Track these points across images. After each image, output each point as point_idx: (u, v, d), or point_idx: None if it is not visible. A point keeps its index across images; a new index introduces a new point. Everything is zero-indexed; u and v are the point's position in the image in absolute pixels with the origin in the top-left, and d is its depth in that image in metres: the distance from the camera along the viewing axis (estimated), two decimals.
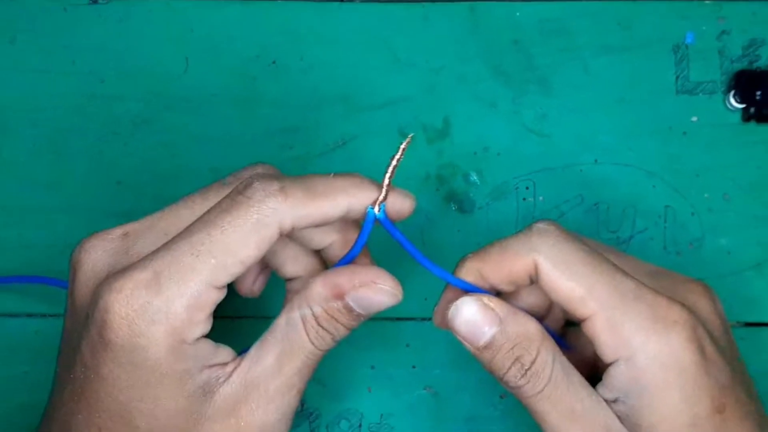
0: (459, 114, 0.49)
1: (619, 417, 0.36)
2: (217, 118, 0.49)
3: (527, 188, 0.48)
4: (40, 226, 0.48)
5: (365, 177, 0.36)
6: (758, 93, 0.47)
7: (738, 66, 0.48)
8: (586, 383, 0.36)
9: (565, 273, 0.35)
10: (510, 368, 0.35)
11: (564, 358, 0.36)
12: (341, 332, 0.36)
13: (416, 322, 0.47)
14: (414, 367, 0.47)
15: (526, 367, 0.35)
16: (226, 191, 0.36)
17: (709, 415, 0.35)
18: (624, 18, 0.49)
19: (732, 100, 0.48)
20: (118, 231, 0.37)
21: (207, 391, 0.35)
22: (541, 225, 0.36)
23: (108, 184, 0.48)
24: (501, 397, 0.46)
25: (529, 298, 0.39)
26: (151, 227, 0.37)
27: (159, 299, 0.33)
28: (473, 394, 0.47)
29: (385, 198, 0.35)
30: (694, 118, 0.48)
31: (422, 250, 0.44)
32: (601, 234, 0.48)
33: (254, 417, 0.35)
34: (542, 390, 0.35)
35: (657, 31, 0.49)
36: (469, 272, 0.37)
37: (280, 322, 0.36)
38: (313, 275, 0.37)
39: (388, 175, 0.35)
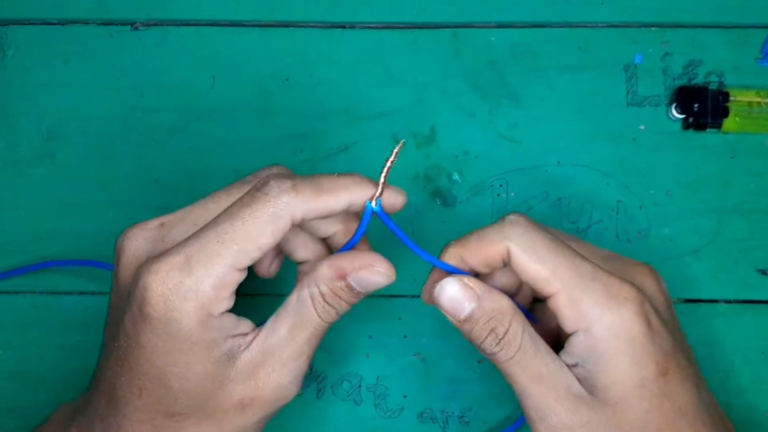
0: (443, 123, 0.49)
1: (578, 379, 0.36)
2: (239, 126, 0.49)
3: (501, 186, 0.48)
4: (89, 218, 0.48)
5: (365, 176, 0.36)
6: (696, 105, 0.47)
7: (679, 82, 0.48)
8: (550, 350, 0.37)
9: (533, 257, 0.36)
10: (486, 337, 0.36)
11: (532, 330, 0.37)
12: (344, 307, 0.37)
13: (407, 298, 0.48)
14: (405, 336, 0.47)
15: (500, 337, 0.36)
16: (246, 188, 0.36)
17: (654, 378, 0.36)
18: (583, 42, 0.48)
19: (674, 111, 0.48)
20: (155, 222, 0.37)
21: (230, 357, 0.35)
22: (512, 217, 0.37)
23: (147, 182, 0.48)
24: (479, 362, 0.47)
25: (502, 279, 0.40)
26: (184, 218, 0.37)
27: (190, 279, 0.33)
28: (455, 359, 0.47)
29: (381, 194, 0.36)
30: (642, 127, 0.48)
31: (412, 237, 0.46)
32: (563, 225, 0.48)
33: (270, 379, 0.36)
34: (513, 356, 0.36)
35: (610, 53, 0.49)
36: (451, 257, 0.37)
37: (292, 299, 0.36)
38: (320, 259, 0.37)
39: (383, 174, 0.36)
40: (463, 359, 0.47)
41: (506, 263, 0.37)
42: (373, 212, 0.36)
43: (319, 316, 0.36)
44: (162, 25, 0.49)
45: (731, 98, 0.47)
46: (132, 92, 0.49)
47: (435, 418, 0.47)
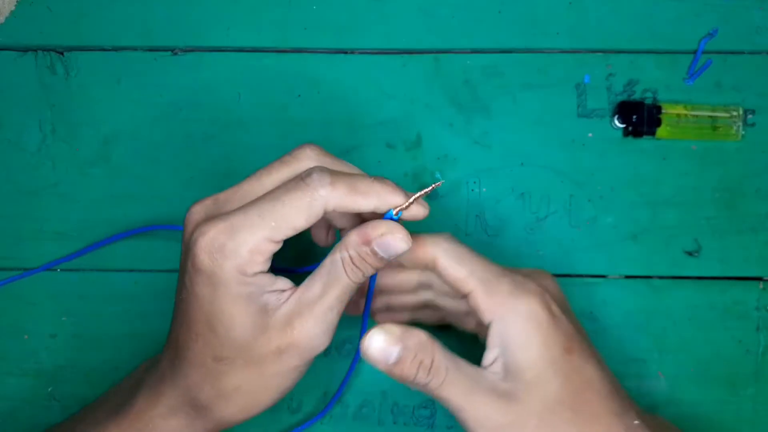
0: (427, 131, 0.50)
1: (501, 373, 0.37)
2: (260, 134, 0.50)
3: (474, 183, 0.49)
4: (137, 209, 0.49)
5: (396, 185, 0.37)
6: (634, 117, 0.48)
7: (620, 98, 0.49)
8: (469, 363, 0.37)
9: (454, 261, 0.38)
10: (418, 372, 0.36)
11: (449, 352, 0.37)
12: (369, 270, 0.37)
13: None
14: None
15: (429, 367, 0.36)
16: (285, 169, 0.37)
17: (562, 355, 0.37)
18: (542, 65, 0.49)
19: (616, 122, 0.49)
20: (211, 198, 0.38)
21: (268, 309, 0.36)
22: (443, 234, 0.39)
23: (184, 179, 0.49)
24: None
25: (423, 277, 0.42)
26: (234, 194, 0.37)
27: (232, 242, 0.34)
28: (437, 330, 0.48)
29: (405, 208, 0.36)
30: (590, 134, 0.49)
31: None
32: (526, 214, 0.49)
33: (304, 328, 0.36)
34: (444, 380, 0.36)
35: (564, 74, 0.49)
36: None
37: (327, 262, 0.37)
38: (352, 228, 0.37)
39: (417, 195, 0.37)
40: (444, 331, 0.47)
41: (430, 267, 0.39)
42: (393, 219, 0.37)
43: (348, 277, 0.36)
44: (197, 51, 0.50)
45: (663, 111, 0.48)
46: (172, 106, 0.50)
47: None
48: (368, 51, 0.50)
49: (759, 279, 0.49)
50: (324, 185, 0.35)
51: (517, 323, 0.37)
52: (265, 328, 0.36)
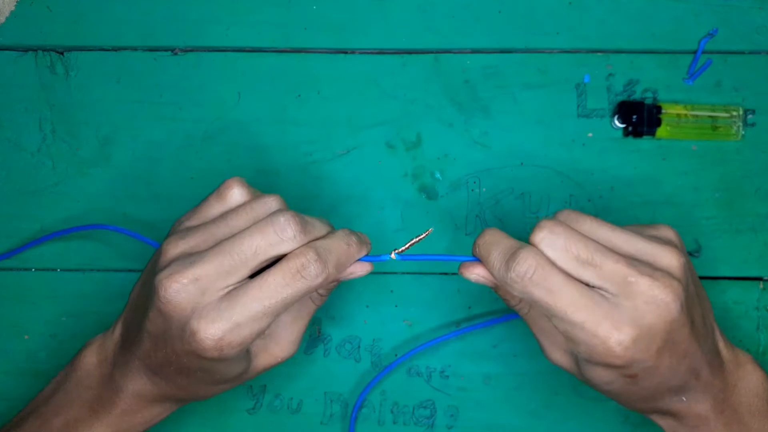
0: (427, 131, 0.50)
1: None
2: (259, 134, 0.50)
3: (474, 182, 0.49)
4: (137, 208, 0.49)
5: (361, 240, 0.38)
6: (634, 117, 0.48)
7: (620, 98, 0.49)
8: None
9: (548, 299, 0.35)
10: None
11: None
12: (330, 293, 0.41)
13: (398, 275, 0.49)
14: (396, 306, 0.49)
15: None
16: (251, 213, 0.36)
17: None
18: (541, 65, 0.49)
19: (616, 122, 0.49)
20: (185, 241, 0.36)
21: (249, 357, 0.39)
22: (527, 255, 0.35)
23: (184, 179, 0.49)
24: (457, 325, 0.49)
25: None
26: (205, 241, 0.36)
27: (238, 339, 0.35)
28: (437, 324, 0.49)
29: (401, 251, 0.38)
30: (590, 134, 0.49)
31: (402, 225, 0.49)
32: (526, 215, 0.49)
33: (279, 350, 0.40)
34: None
35: (564, 74, 0.49)
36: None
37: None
38: None
39: (410, 243, 0.38)
40: (443, 324, 0.49)
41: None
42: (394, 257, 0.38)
43: (316, 305, 0.41)
44: (197, 51, 0.50)
45: (663, 111, 0.48)
46: (172, 106, 0.50)
47: (420, 373, 0.49)
48: (368, 51, 0.50)
49: (759, 279, 0.49)
50: (319, 276, 0.35)
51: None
52: (249, 367, 0.39)
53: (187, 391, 0.39)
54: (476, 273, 0.38)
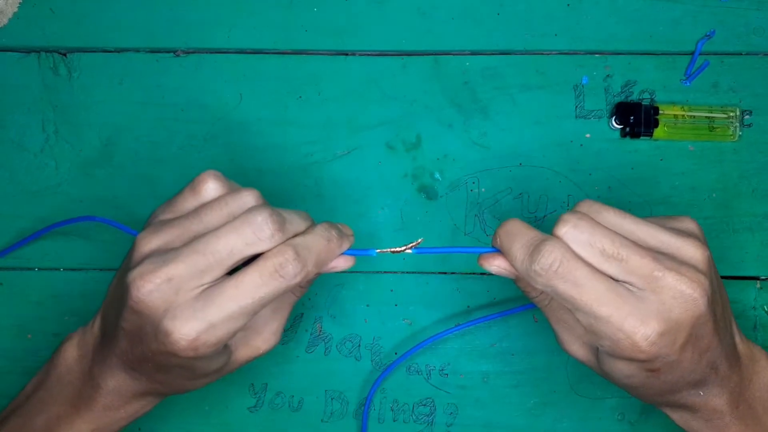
0: (427, 132, 0.50)
1: None
2: (261, 134, 0.50)
3: (473, 183, 0.49)
4: (140, 209, 0.49)
5: (342, 233, 0.37)
6: (631, 118, 0.48)
7: (618, 99, 0.49)
8: None
9: (575, 294, 0.34)
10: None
11: None
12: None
13: (397, 274, 0.49)
14: (396, 305, 0.49)
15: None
16: (225, 208, 0.35)
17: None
18: (540, 66, 0.49)
19: (613, 123, 0.49)
20: (159, 236, 0.35)
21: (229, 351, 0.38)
22: (551, 250, 0.34)
23: (187, 180, 0.44)
24: (456, 325, 0.48)
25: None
26: (179, 237, 0.35)
27: (213, 338, 0.34)
28: (436, 323, 0.49)
29: (392, 250, 0.38)
30: (588, 135, 0.49)
31: (402, 225, 0.49)
32: (524, 215, 0.49)
33: (261, 342, 0.39)
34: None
35: (562, 75, 0.49)
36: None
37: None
38: None
39: (401, 248, 0.38)
40: (443, 323, 0.49)
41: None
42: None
43: (296, 296, 0.40)
44: (199, 52, 0.50)
45: (660, 112, 0.49)
46: (174, 107, 0.50)
47: (420, 371, 0.49)
48: (368, 52, 0.50)
49: (756, 279, 0.49)
50: (299, 274, 0.34)
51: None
52: (229, 361, 0.38)
53: (168, 386, 0.38)
54: (496, 264, 0.37)
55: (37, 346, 0.50)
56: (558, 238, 0.34)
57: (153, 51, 0.50)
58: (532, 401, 0.49)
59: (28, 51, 0.50)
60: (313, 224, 0.37)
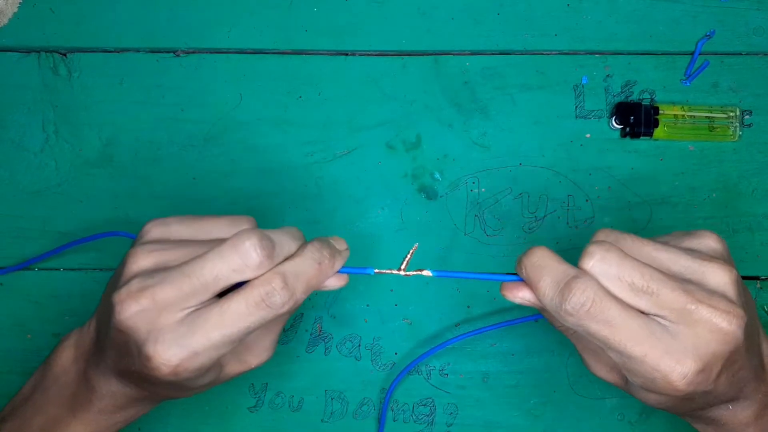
0: (427, 132, 0.50)
1: None
2: (261, 134, 0.50)
3: (473, 183, 0.49)
4: (139, 209, 0.49)
5: (333, 250, 0.36)
6: (631, 118, 0.48)
7: (618, 99, 0.49)
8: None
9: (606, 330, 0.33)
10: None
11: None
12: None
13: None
14: (396, 305, 0.49)
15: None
16: (228, 253, 0.33)
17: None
18: (540, 66, 0.49)
19: (613, 123, 0.49)
20: (156, 254, 0.34)
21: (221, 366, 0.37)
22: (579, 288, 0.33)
23: (186, 180, 0.49)
24: (456, 325, 0.49)
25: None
26: (176, 258, 0.34)
27: (196, 364, 0.33)
28: (436, 323, 0.49)
29: (402, 269, 0.36)
30: (588, 135, 0.49)
31: (402, 225, 0.49)
32: (524, 214, 0.49)
33: (253, 357, 0.38)
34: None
35: (562, 75, 0.49)
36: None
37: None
38: None
39: (405, 261, 0.37)
40: (442, 323, 0.49)
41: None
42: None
43: (289, 314, 0.37)
44: (199, 52, 0.50)
45: (660, 112, 0.48)
46: (174, 107, 0.50)
47: (420, 371, 0.49)
48: (368, 53, 0.50)
49: (756, 279, 0.49)
50: (286, 303, 0.33)
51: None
52: (221, 374, 0.37)
53: (160, 395, 0.37)
54: (521, 297, 0.35)
55: (37, 346, 0.49)
56: (586, 272, 0.32)
57: (153, 51, 0.50)
58: (532, 401, 0.49)
59: (28, 51, 0.50)
60: (304, 243, 0.36)
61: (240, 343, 0.35)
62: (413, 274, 0.36)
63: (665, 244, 0.35)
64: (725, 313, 0.32)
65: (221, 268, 0.32)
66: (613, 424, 0.49)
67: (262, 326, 0.34)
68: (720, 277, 0.33)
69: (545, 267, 0.33)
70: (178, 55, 0.50)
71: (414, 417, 0.49)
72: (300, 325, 0.49)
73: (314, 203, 0.49)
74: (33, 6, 0.50)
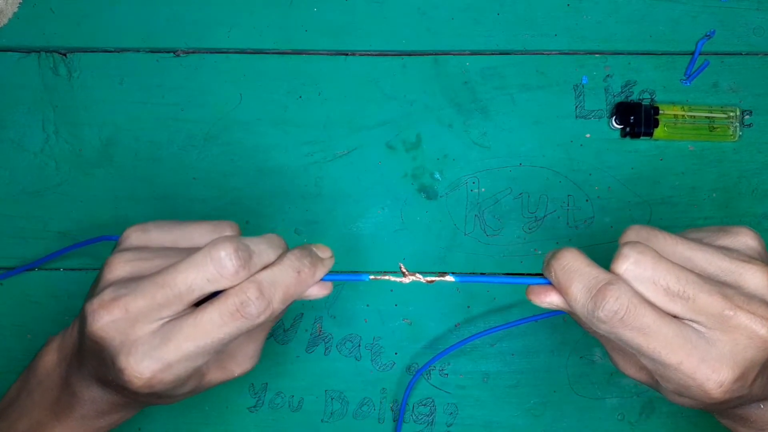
0: (427, 132, 0.49)
1: None
2: (261, 134, 0.49)
3: (473, 183, 0.49)
4: (139, 209, 0.49)
5: (328, 288, 0.35)
6: (631, 118, 0.48)
7: (618, 99, 0.49)
8: None
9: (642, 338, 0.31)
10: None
11: None
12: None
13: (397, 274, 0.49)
14: (396, 305, 0.49)
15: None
16: (203, 268, 0.31)
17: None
18: (540, 66, 0.49)
19: (613, 123, 0.49)
20: (132, 263, 0.33)
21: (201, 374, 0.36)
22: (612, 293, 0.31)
23: (186, 180, 0.49)
24: (456, 325, 0.48)
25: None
26: (150, 269, 0.33)
27: (171, 376, 0.32)
28: (436, 323, 0.49)
29: (424, 277, 0.36)
30: (588, 135, 0.49)
31: (402, 225, 0.49)
32: (524, 214, 0.49)
33: (237, 366, 0.36)
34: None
35: (562, 75, 0.49)
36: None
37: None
38: None
39: (402, 272, 0.36)
40: (442, 323, 0.49)
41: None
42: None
43: (272, 323, 0.37)
44: (199, 52, 0.49)
45: (660, 112, 0.48)
46: (174, 107, 0.50)
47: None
48: (368, 53, 0.50)
49: None
50: (262, 313, 0.32)
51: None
52: (203, 381, 0.36)
53: (142, 402, 0.36)
54: (548, 302, 0.33)
55: (37, 346, 0.47)
56: (619, 277, 0.31)
57: (153, 51, 0.50)
58: (532, 401, 0.49)
59: (29, 51, 0.50)
60: (285, 250, 0.34)
61: (221, 351, 0.34)
62: (436, 281, 0.35)
63: (699, 242, 0.33)
64: (764, 319, 0.30)
65: (195, 278, 0.31)
66: (613, 424, 0.48)
67: (244, 335, 0.33)
68: (759, 280, 0.32)
69: (576, 271, 0.32)
70: (178, 55, 0.50)
71: (414, 417, 0.49)
72: (300, 325, 0.49)
73: (314, 203, 0.49)
74: (33, 6, 0.50)
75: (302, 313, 0.49)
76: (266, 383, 0.49)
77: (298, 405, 0.49)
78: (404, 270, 0.35)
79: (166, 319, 0.32)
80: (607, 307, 0.30)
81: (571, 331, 0.49)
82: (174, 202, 0.49)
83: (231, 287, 0.32)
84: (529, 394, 0.49)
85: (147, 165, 0.49)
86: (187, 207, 0.48)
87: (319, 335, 0.49)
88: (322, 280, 0.35)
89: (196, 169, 0.49)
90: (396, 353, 0.49)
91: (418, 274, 0.35)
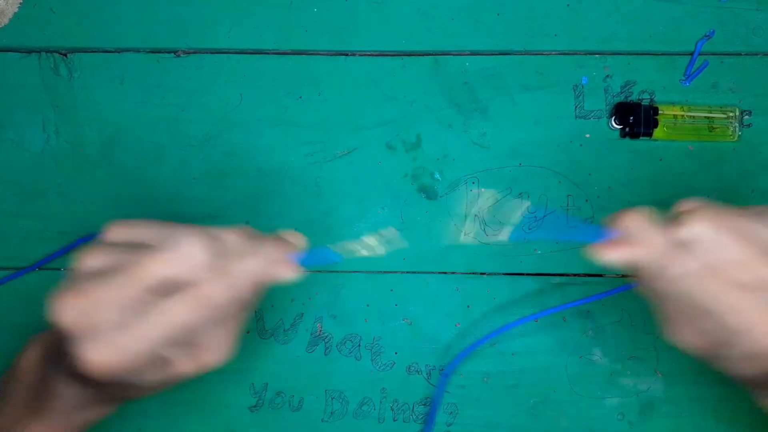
0: (427, 132, 0.49)
1: None
2: (261, 134, 0.49)
3: (473, 183, 0.49)
4: (140, 210, 0.49)
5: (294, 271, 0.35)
6: (631, 118, 0.48)
7: (617, 99, 0.49)
8: None
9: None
10: None
11: None
12: None
13: (397, 274, 0.49)
14: (396, 305, 0.49)
15: None
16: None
17: None
18: (539, 66, 0.49)
19: (613, 123, 0.49)
20: (83, 296, 0.32)
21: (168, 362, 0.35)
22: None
23: (187, 180, 0.49)
24: (456, 325, 0.48)
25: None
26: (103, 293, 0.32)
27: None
28: (436, 323, 0.49)
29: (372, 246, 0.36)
30: (587, 135, 0.49)
31: (402, 225, 0.49)
32: (524, 214, 0.48)
33: (210, 357, 0.35)
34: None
35: (562, 76, 0.49)
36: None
37: None
38: None
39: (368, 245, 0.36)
40: (442, 323, 0.49)
41: None
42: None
43: (242, 310, 0.36)
44: (199, 53, 0.49)
45: (660, 112, 0.48)
46: (175, 107, 0.49)
47: (420, 371, 0.49)
48: (368, 53, 0.50)
49: None
50: (221, 296, 0.33)
51: None
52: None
53: (116, 396, 0.36)
54: (620, 255, 0.34)
55: None
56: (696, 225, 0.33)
57: (153, 51, 0.50)
58: (532, 401, 0.48)
59: (29, 51, 0.50)
60: (252, 241, 0.35)
61: (189, 340, 0.34)
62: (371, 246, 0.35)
63: (758, 218, 0.34)
64: None
65: (159, 269, 0.32)
66: (613, 424, 0.48)
67: (213, 324, 0.33)
68: None
69: (658, 224, 0.34)
70: (178, 56, 0.50)
71: (414, 416, 0.48)
72: (300, 325, 0.49)
73: (314, 203, 0.49)
74: (33, 6, 0.50)
75: (302, 313, 0.49)
76: (266, 383, 0.49)
77: (299, 405, 0.49)
78: (370, 240, 0.36)
79: (128, 309, 0.32)
80: (700, 257, 0.32)
81: (571, 331, 0.49)
82: (174, 202, 0.49)
83: (195, 275, 0.32)
84: (529, 394, 0.49)
85: (147, 165, 0.49)
86: (187, 207, 0.48)
87: (319, 335, 0.49)
88: (292, 263, 0.35)
89: (196, 169, 0.49)
90: (396, 353, 0.49)
91: (384, 231, 0.35)
